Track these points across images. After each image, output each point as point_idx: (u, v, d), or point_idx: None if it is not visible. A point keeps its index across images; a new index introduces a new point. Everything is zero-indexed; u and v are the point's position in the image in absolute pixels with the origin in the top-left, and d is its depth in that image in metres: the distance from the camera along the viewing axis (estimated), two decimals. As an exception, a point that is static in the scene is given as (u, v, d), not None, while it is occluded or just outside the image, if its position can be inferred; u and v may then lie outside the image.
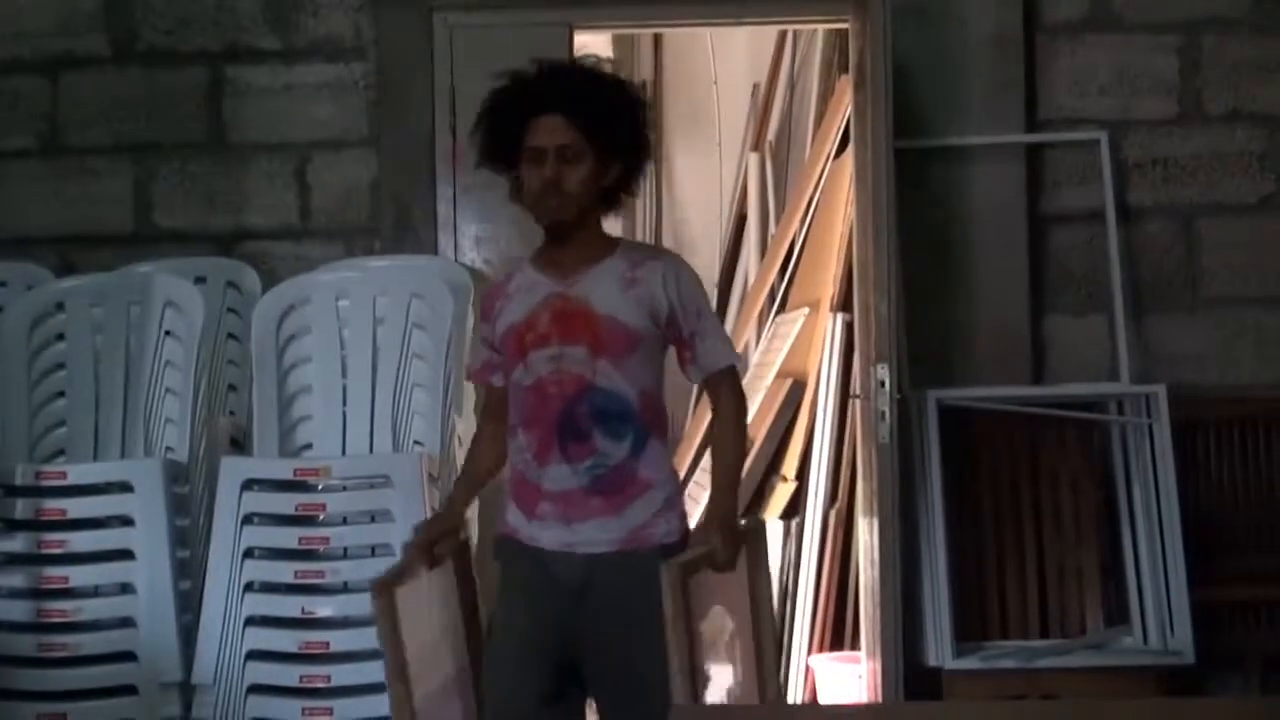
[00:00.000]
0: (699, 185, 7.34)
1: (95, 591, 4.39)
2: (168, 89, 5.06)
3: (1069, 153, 4.99)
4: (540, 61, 3.30)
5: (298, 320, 4.60)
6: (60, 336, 4.72)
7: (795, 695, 5.19)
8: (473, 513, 3.96)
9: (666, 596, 3.01)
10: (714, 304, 7.10)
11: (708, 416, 6.49)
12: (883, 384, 4.51)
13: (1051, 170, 5.00)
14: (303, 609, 4.29)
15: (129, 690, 4.30)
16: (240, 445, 4.60)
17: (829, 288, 5.55)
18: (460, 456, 4.34)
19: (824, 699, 5.01)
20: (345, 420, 4.54)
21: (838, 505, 5.30)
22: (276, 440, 4.51)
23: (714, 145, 7.26)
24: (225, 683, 4.26)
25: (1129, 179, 5.01)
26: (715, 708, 3.05)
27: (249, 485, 4.33)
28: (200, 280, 4.75)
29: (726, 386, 3.39)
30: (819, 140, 6.17)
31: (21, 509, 4.36)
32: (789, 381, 5.73)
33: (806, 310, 5.80)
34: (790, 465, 5.63)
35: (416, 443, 4.44)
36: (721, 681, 3.27)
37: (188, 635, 4.32)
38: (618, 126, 3.29)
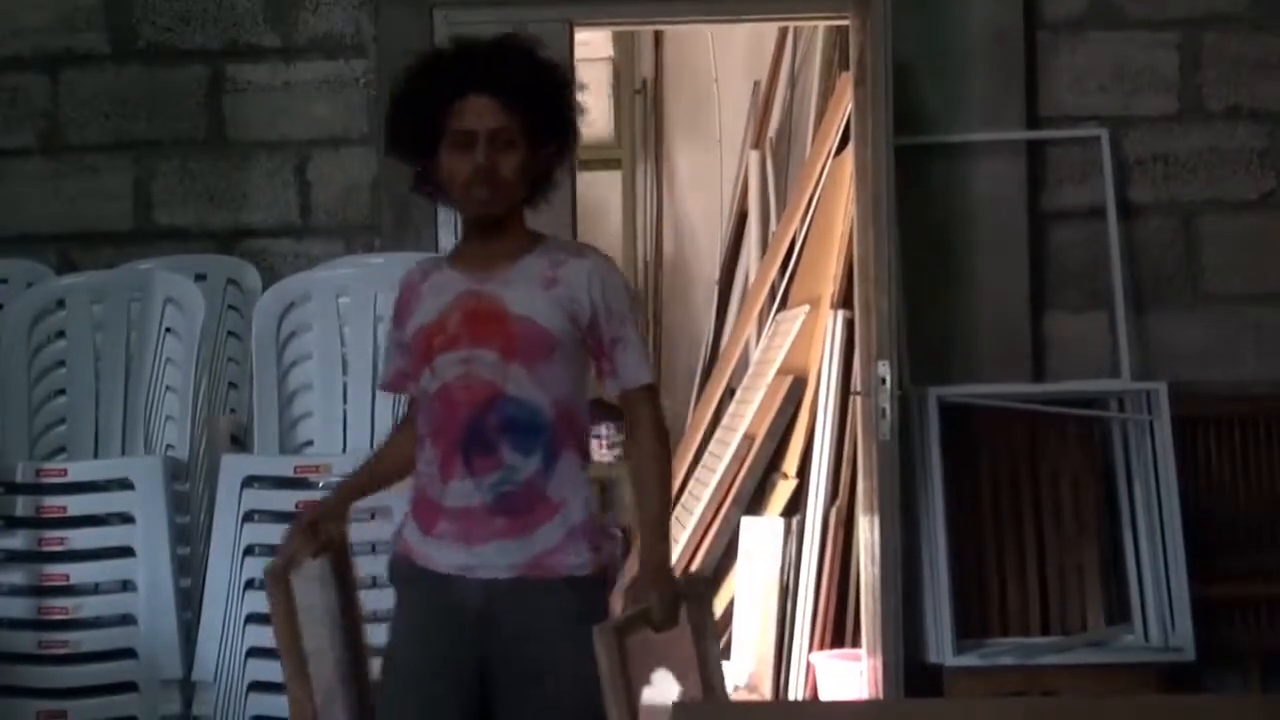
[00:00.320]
0: (699, 183, 7.34)
1: (96, 589, 4.39)
2: (168, 86, 5.05)
3: (1069, 149, 4.99)
4: (463, 37, 3.06)
5: (298, 317, 4.60)
6: (61, 334, 4.72)
7: (796, 692, 5.20)
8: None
9: (602, 661, 2.69)
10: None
11: (708, 415, 6.54)
12: (883, 381, 4.51)
13: (1052, 167, 4.99)
14: (303, 607, 4.29)
15: (129, 687, 4.30)
16: (241, 442, 4.60)
17: (830, 285, 5.55)
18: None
19: (825, 696, 5.01)
20: (346, 417, 4.54)
21: (838, 502, 5.31)
22: (277, 437, 4.52)
23: (714, 142, 7.26)
24: (226, 680, 4.27)
25: (1129, 176, 5.00)
26: (716, 704, 3.02)
27: (249, 482, 4.33)
28: (200, 277, 4.75)
29: (647, 408, 3.03)
30: (819, 137, 6.17)
31: (22, 506, 4.36)
32: (790, 379, 5.73)
33: (807, 307, 5.80)
34: (791, 462, 5.63)
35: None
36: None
37: (188, 632, 4.32)
38: (552, 112, 3.02)
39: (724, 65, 7.21)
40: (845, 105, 5.45)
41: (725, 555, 5.78)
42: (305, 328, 4.59)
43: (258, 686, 4.25)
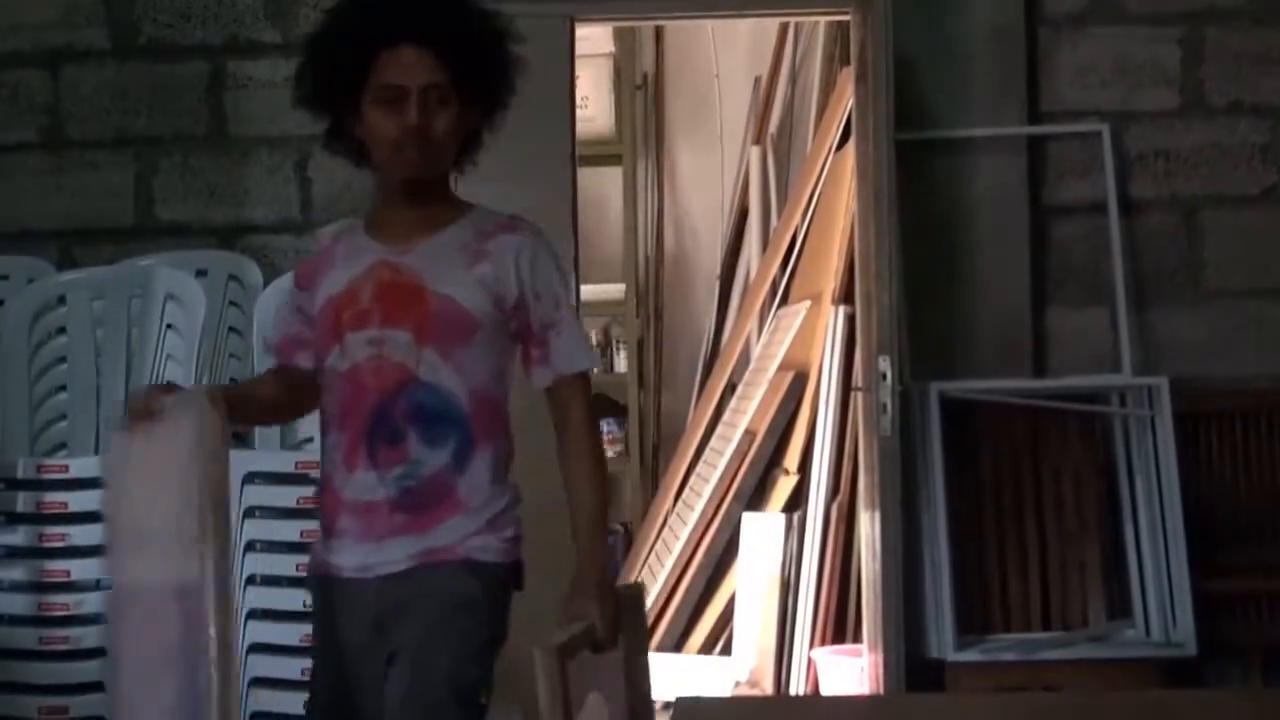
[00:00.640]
0: (700, 178, 7.33)
1: (97, 585, 4.38)
2: (169, 82, 5.05)
3: (1071, 145, 4.99)
4: None
5: (299, 313, 4.59)
6: (61, 330, 4.72)
7: (798, 688, 5.19)
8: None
9: (542, 688, 2.30)
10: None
11: (709, 411, 6.53)
12: (884, 376, 4.51)
13: (1053, 162, 4.99)
14: (305, 602, 4.28)
15: (131, 683, 4.30)
16: (241, 439, 4.60)
17: (831, 280, 5.55)
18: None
19: (826, 692, 5.01)
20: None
21: (839, 498, 5.30)
22: (278, 433, 4.51)
23: (715, 138, 7.25)
24: (227, 676, 4.26)
25: (1131, 171, 5.00)
26: (719, 700, 3.02)
27: (250, 479, 4.32)
28: (201, 273, 4.75)
29: (578, 400, 2.77)
30: (821, 133, 6.16)
31: (23, 502, 4.36)
32: (791, 374, 5.73)
33: (808, 303, 5.79)
34: (792, 458, 5.63)
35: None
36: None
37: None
38: (489, 67, 2.73)
39: (725, 61, 7.20)
40: (846, 101, 5.45)
41: (726, 551, 5.78)
42: (306, 324, 4.59)
43: (259, 683, 4.25)
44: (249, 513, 4.30)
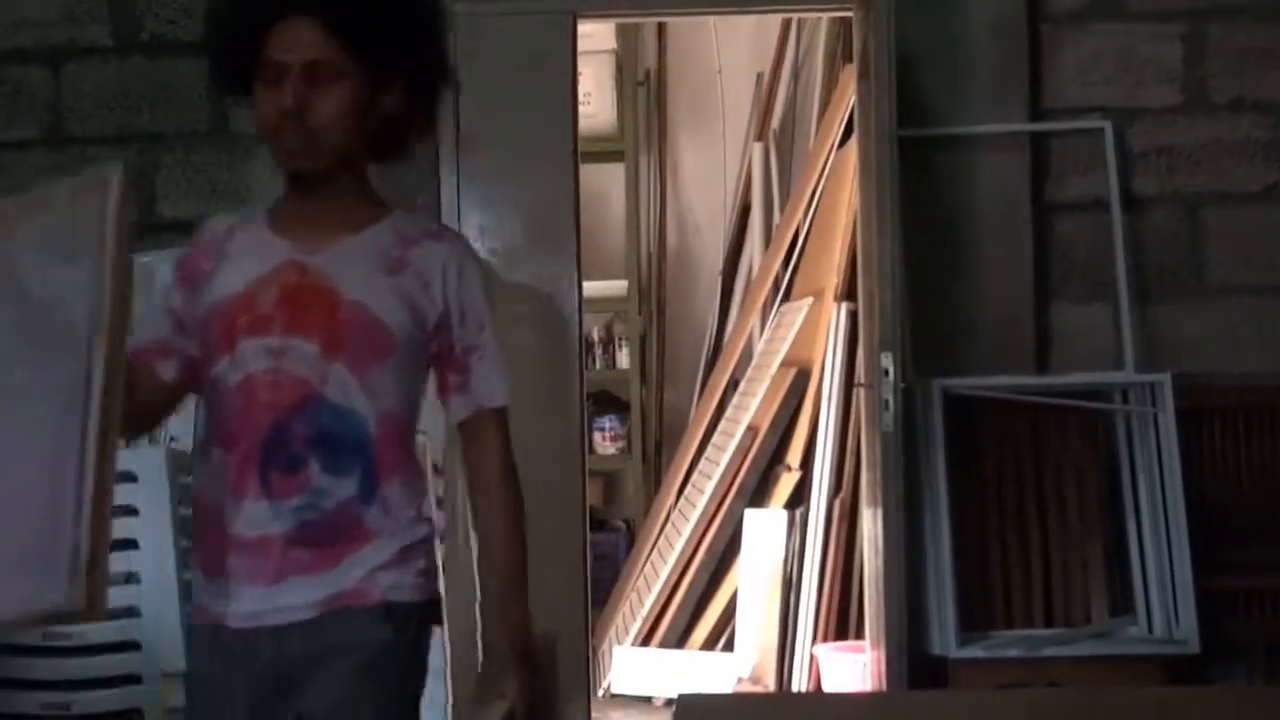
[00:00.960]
0: (703, 175, 7.33)
1: (100, 581, 4.38)
2: (171, 79, 5.05)
3: (1073, 141, 4.98)
4: None
5: (301, 310, 4.58)
6: (63, 327, 4.71)
7: (800, 685, 5.20)
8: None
9: None
10: (725, 293, 7.11)
11: (711, 407, 6.54)
12: (887, 373, 4.51)
13: (1056, 159, 4.98)
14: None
15: (133, 680, 4.29)
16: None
17: (833, 277, 5.55)
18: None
19: (829, 688, 5.01)
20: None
21: (842, 495, 5.31)
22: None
23: (718, 135, 7.25)
24: (229, 672, 4.26)
25: (1133, 168, 4.99)
26: (723, 697, 3.02)
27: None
28: (203, 270, 4.74)
29: (497, 437, 2.44)
30: (823, 129, 6.16)
31: (26, 499, 4.35)
32: (793, 371, 5.73)
33: (810, 299, 5.79)
34: (794, 455, 5.63)
35: (419, 432, 4.43)
36: None
37: (192, 625, 4.31)
38: (398, 37, 2.37)
39: (727, 57, 7.20)
40: (849, 97, 5.45)
41: (728, 548, 5.79)
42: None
43: None
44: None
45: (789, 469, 5.62)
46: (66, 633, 4.32)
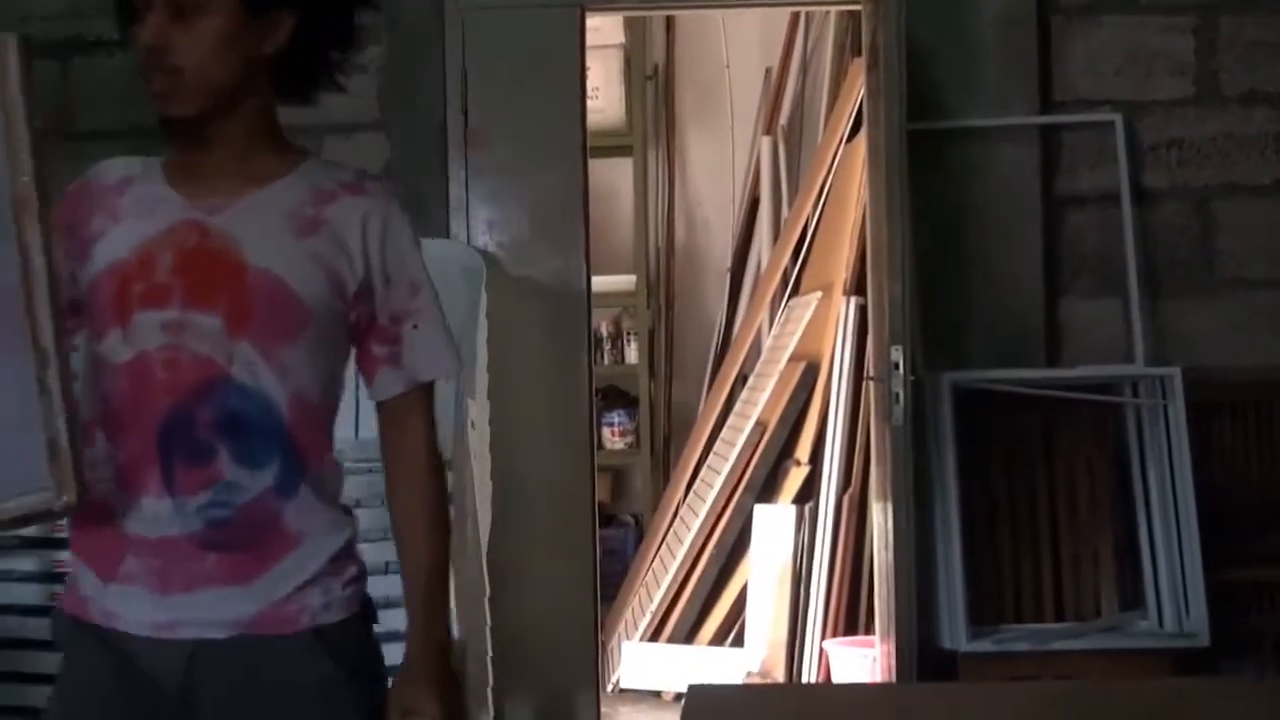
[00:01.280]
0: (711, 169, 7.33)
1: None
2: (179, 73, 5.04)
3: (1084, 135, 4.97)
4: None
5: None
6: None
7: (810, 679, 5.19)
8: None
9: None
10: (734, 282, 7.10)
11: (720, 402, 6.53)
12: (896, 366, 4.50)
13: (1066, 152, 4.97)
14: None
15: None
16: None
17: (842, 271, 5.54)
18: (473, 440, 4.34)
19: (838, 682, 5.01)
20: (358, 404, 4.52)
21: (851, 489, 5.30)
22: None
23: (726, 129, 7.24)
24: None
25: (1144, 161, 4.98)
26: (732, 687, 3.01)
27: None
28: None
29: (419, 415, 2.19)
30: (832, 123, 6.15)
31: (34, 493, 4.35)
32: (802, 365, 5.72)
33: (820, 294, 5.79)
34: (804, 449, 5.63)
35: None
36: None
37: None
38: None
39: (736, 51, 7.19)
40: (857, 91, 5.44)
41: (738, 542, 5.78)
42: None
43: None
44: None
45: (798, 463, 5.61)
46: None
